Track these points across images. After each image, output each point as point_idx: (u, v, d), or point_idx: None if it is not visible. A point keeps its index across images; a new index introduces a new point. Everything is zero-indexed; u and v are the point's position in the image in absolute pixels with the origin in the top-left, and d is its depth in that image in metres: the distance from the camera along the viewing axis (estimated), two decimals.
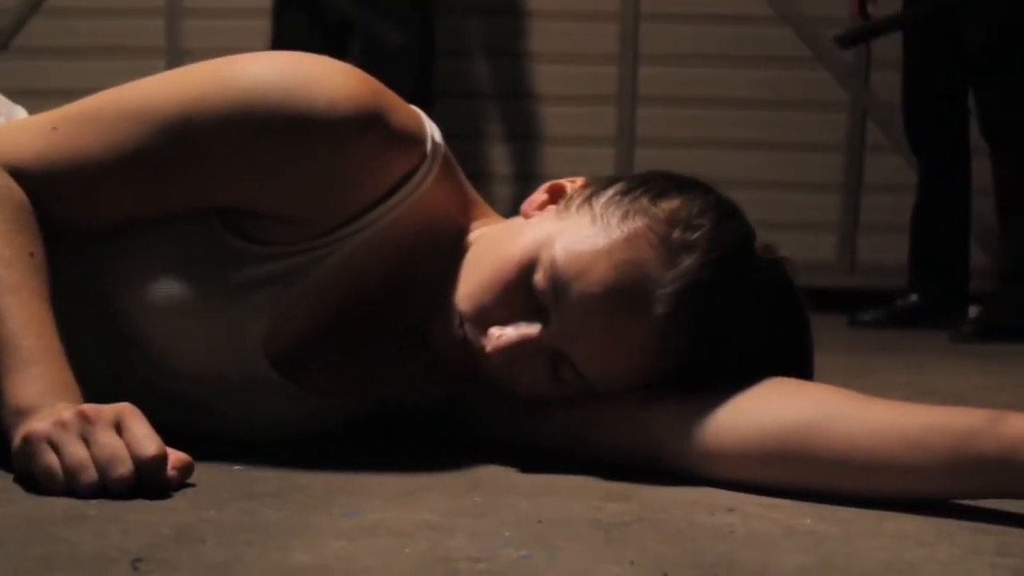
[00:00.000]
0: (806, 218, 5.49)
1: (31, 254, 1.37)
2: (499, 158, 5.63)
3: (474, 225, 1.55)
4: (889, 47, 4.66)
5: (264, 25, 4.77)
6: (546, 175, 5.39)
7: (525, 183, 5.50)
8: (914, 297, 4.56)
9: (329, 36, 4.63)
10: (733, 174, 5.24)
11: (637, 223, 1.40)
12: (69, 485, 1.21)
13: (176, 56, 5.55)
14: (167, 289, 1.44)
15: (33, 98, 5.13)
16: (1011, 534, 1.22)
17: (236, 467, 1.41)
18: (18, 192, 1.40)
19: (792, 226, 5.33)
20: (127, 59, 5.48)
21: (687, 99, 5.51)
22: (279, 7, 4.72)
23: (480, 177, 5.49)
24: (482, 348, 1.44)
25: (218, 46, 5.25)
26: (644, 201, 1.42)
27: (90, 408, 1.24)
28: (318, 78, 1.39)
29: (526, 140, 5.61)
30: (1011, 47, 4.12)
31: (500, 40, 5.58)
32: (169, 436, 1.26)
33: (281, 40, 4.68)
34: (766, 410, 1.37)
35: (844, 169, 5.52)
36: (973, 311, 4.36)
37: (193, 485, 1.29)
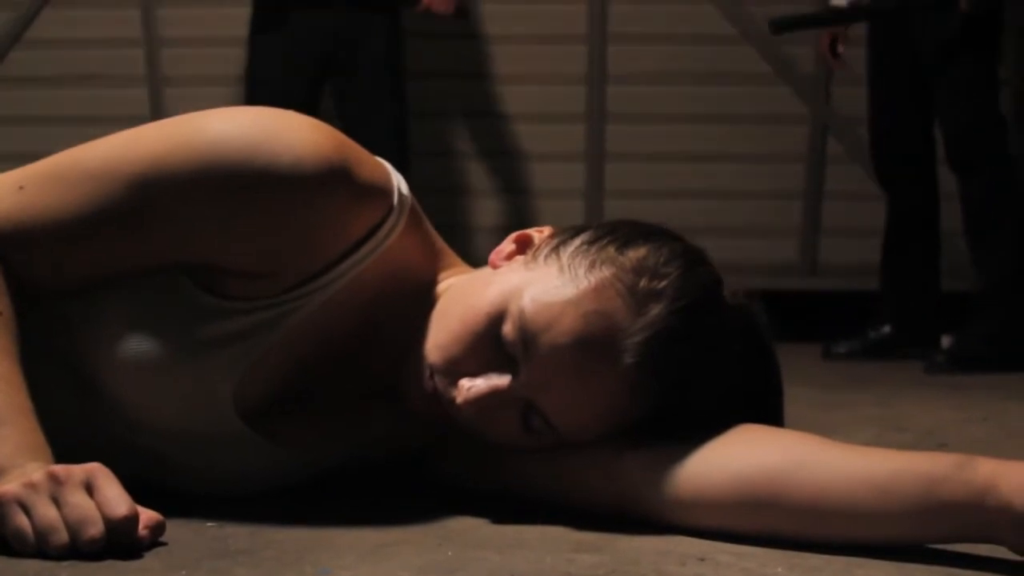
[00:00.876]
0: (769, 224, 5.65)
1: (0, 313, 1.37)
2: (474, 172, 5.76)
3: (442, 276, 1.55)
4: (850, 65, 4.72)
5: (240, 53, 4.85)
6: (518, 188, 5.67)
7: (498, 197, 5.71)
8: (887, 328, 4.58)
9: (306, 72, 4.72)
10: (699, 185, 5.56)
11: (604, 273, 1.40)
12: (40, 547, 1.20)
13: (156, 83, 5.66)
14: (136, 346, 1.44)
15: (18, 124, 5.28)
16: None
17: (208, 524, 1.41)
18: None
19: (755, 232, 5.58)
20: (107, 87, 5.60)
21: (654, 115, 5.66)
22: (256, 34, 4.78)
23: (456, 191, 5.67)
24: (452, 399, 1.44)
25: (196, 73, 5.39)
26: (611, 250, 1.42)
27: (60, 469, 1.24)
28: (282, 134, 1.40)
29: (499, 156, 5.75)
30: (964, 48, 4.17)
31: (468, 64, 5.72)
32: (140, 493, 1.26)
33: (257, 73, 4.75)
34: (736, 458, 1.37)
35: (806, 178, 5.65)
36: (946, 341, 4.38)
37: (165, 544, 1.28)
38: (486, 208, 5.69)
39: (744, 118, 5.58)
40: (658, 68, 5.61)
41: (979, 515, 1.23)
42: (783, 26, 4.62)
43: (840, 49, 4.64)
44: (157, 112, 5.46)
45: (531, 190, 5.71)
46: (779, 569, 1.24)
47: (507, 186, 5.73)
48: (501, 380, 1.42)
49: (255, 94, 4.71)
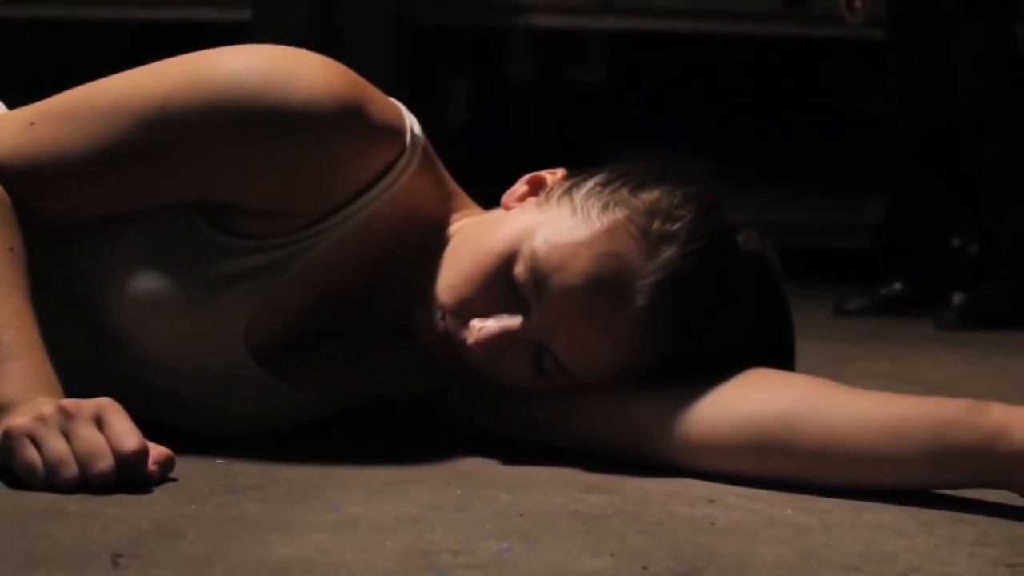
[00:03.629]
0: None
1: (10, 248, 1.37)
2: None
3: (454, 217, 1.55)
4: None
5: None
6: None
7: None
8: (898, 285, 4.56)
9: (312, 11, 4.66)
10: None
11: (617, 215, 1.40)
12: (50, 480, 1.20)
13: None
14: (147, 284, 1.43)
15: None
16: (990, 524, 1.23)
17: (218, 460, 1.41)
18: None
19: None
20: None
21: None
22: None
23: None
24: (464, 340, 1.44)
25: None
26: (624, 192, 1.42)
27: (70, 403, 1.24)
28: (296, 71, 1.39)
29: None
30: (982, 7, 4.16)
31: None
32: (150, 430, 1.26)
33: (262, 14, 4.69)
34: (747, 401, 1.37)
35: None
36: (957, 298, 4.37)
37: (174, 479, 1.28)
38: None
39: None
40: None
41: (989, 459, 1.23)
42: None
43: (857, 3, 4.62)
44: None
45: None
46: (788, 511, 1.25)
47: None
48: (512, 321, 1.41)
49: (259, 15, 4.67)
